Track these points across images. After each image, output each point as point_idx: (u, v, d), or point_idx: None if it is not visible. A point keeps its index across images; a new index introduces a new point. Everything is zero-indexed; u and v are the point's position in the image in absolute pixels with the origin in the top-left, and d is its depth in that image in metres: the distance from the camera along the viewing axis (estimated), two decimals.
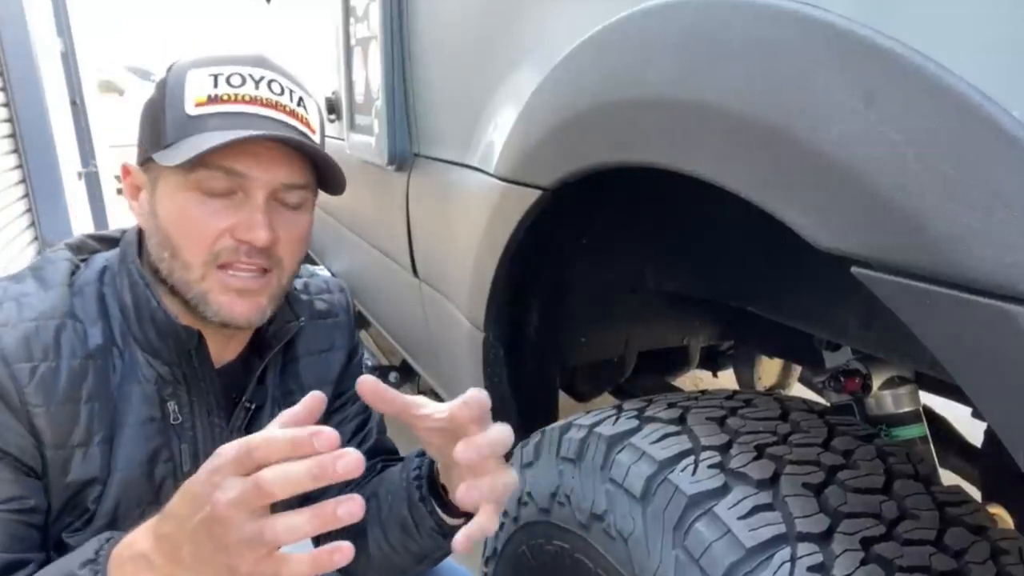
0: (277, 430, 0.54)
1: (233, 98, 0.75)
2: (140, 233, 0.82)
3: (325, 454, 0.52)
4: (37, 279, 0.78)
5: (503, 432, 0.60)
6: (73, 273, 0.80)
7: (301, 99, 0.79)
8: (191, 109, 0.74)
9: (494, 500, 0.60)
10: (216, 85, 0.75)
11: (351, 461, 0.52)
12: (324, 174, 0.80)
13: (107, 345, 0.77)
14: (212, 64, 0.76)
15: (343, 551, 0.53)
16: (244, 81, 0.76)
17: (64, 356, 0.74)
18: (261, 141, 0.73)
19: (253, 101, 0.75)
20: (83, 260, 0.83)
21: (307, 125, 0.79)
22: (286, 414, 0.58)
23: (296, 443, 0.53)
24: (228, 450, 0.54)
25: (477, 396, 0.60)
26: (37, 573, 0.68)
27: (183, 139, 0.73)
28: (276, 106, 0.76)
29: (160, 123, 0.75)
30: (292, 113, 0.77)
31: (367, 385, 0.60)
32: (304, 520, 0.53)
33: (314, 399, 0.58)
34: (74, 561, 0.64)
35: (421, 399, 0.63)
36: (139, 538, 0.61)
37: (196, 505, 0.55)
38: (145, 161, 0.78)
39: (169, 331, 0.77)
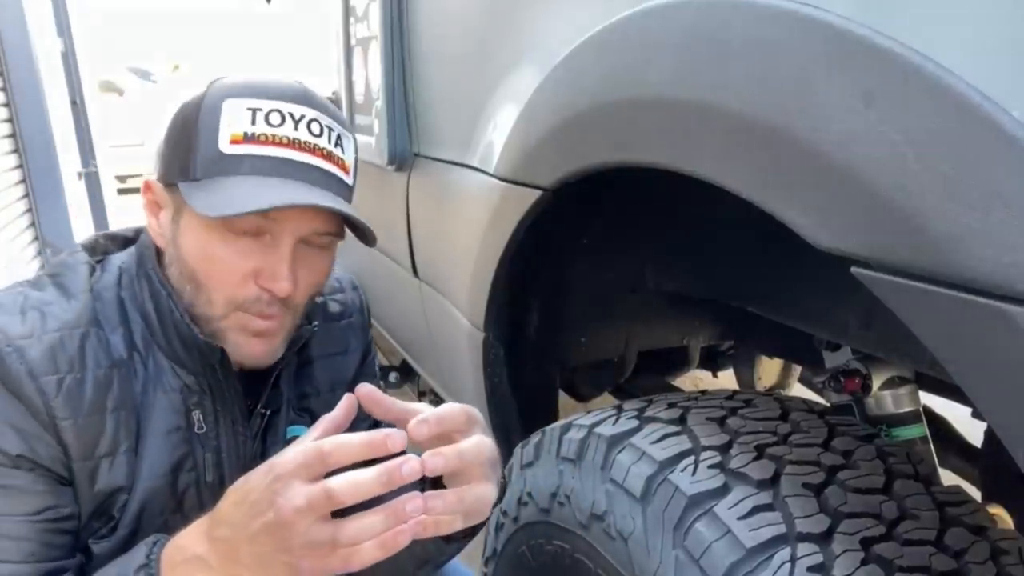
0: (351, 435, 0.56)
1: (270, 139, 0.72)
2: None
3: (391, 461, 0.55)
4: (57, 286, 0.77)
5: (476, 444, 0.61)
6: (91, 275, 0.80)
7: (339, 138, 0.77)
8: (225, 146, 0.71)
9: (462, 509, 0.61)
10: (254, 122, 0.72)
11: (414, 466, 0.55)
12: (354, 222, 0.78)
13: (129, 352, 0.77)
14: (252, 95, 0.73)
15: (404, 532, 0.56)
16: (283, 120, 0.72)
17: (89, 367, 0.73)
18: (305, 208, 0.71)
19: (291, 145, 0.72)
20: (98, 261, 0.82)
21: (342, 167, 0.77)
22: (326, 420, 0.59)
23: (372, 446, 0.55)
24: (293, 457, 0.56)
25: (443, 414, 0.61)
26: None
27: (214, 177, 0.71)
28: (314, 150, 0.73)
29: (191, 151, 0.73)
30: (329, 156, 0.75)
31: (364, 391, 0.61)
32: (379, 520, 0.55)
33: (351, 401, 0.61)
34: (128, 566, 0.66)
35: (419, 406, 0.64)
36: (190, 541, 0.63)
37: (255, 511, 0.56)
38: (170, 184, 0.76)
39: (193, 344, 0.77)
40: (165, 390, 0.78)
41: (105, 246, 0.86)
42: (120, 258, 0.82)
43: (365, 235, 0.79)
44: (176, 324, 0.76)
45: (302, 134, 0.73)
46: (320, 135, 0.74)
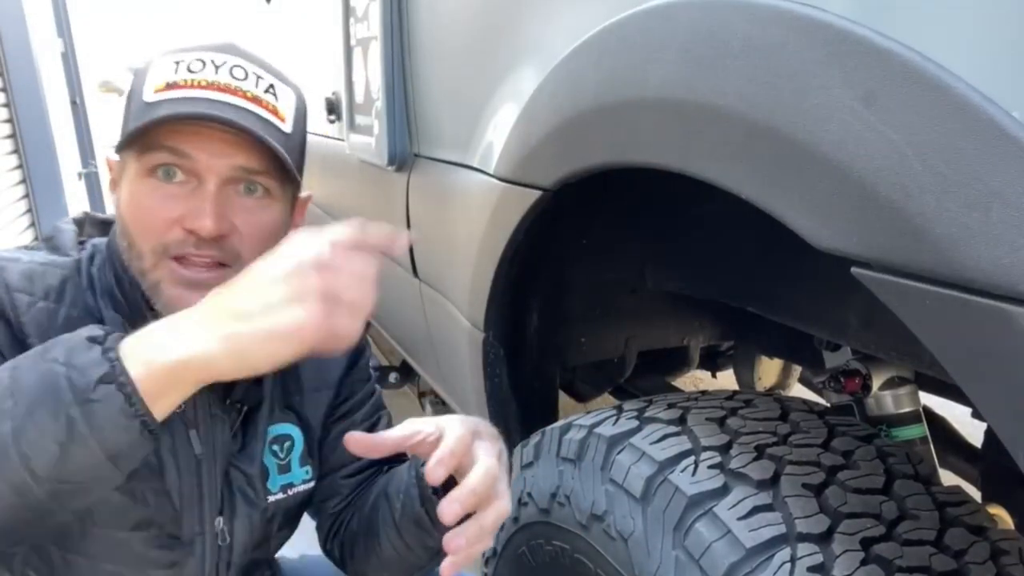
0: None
1: (189, 83, 0.72)
2: None
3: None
4: (51, 248, 0.80)
5: (484, 474, 0.64)
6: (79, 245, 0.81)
7: (271, 87, 0.76)
8: (149, 96, 0.72)
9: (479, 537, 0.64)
10: (176, 71, 0.73)
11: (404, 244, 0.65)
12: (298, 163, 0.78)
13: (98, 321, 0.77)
14: (179, 52, 0.75)
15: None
16: (204, 66, 0.73)
17: (65, 303, 0.74)
18: (211, 124, 0.71)
19: (209, 86, 0.72)
20: (81, 241, 0.83)
21: (274, 112, 0.76)
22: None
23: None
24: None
25: (452, 447, 0.64)
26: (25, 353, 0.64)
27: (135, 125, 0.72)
28: (235, 91, 0.73)
29: (126, 113, 0.75)
30: (254, 99, 0.74)
31: (353, 440, 0.64)
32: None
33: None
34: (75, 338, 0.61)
35: (409, 428, 0.67)
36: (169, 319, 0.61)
37: (289, 251, 0.59)
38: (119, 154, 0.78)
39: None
40: None
41: (89, 230, 0.87)
42: (97, 241, 0.83)
43: (291, 176, 0.77)
44: (143, 311, 0.76)
45: (222, 77, 0.73)
46: (244, 79, 0.74)
